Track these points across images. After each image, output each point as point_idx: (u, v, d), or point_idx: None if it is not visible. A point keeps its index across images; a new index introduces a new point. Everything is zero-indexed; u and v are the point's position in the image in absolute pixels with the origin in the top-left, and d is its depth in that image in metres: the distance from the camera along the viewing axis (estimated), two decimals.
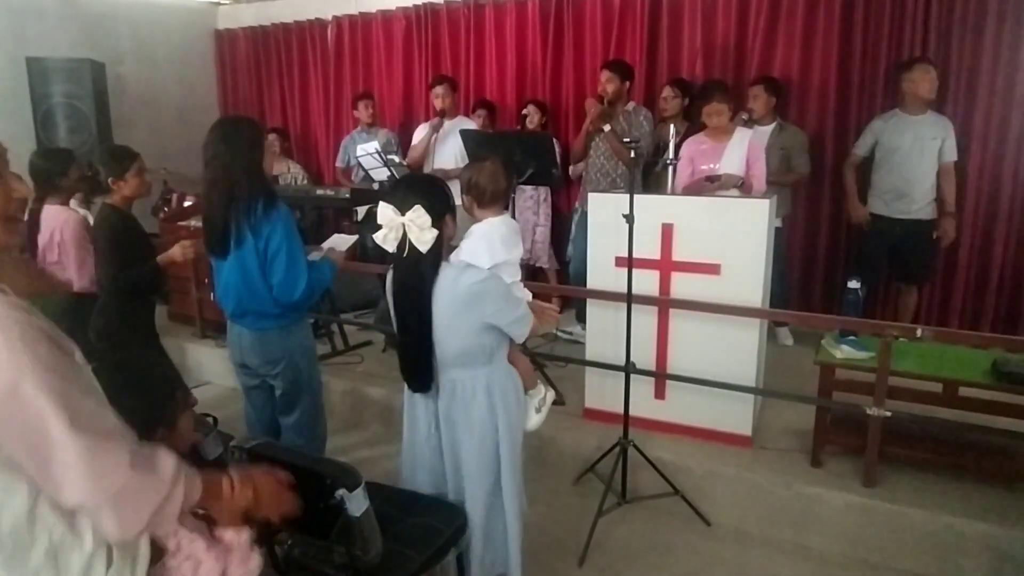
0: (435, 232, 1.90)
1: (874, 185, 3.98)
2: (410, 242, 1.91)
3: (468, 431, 2.04)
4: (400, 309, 2.03)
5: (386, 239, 1.94)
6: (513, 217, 4.09)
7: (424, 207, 1.88)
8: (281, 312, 2.44)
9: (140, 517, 1.09)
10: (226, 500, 1.31)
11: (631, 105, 4.13)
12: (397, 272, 2.01)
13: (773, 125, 4.12)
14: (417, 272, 1.94)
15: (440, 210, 1.93)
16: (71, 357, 1.10)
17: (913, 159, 3.79)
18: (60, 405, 1.01)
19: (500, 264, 2.11)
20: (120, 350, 2.82)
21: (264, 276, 2.37)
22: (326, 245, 2.77)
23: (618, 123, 4.03)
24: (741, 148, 3.47)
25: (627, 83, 4.07)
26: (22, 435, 1.01)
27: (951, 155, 3.80)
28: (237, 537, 1.37)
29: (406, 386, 2.12)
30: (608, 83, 4.02)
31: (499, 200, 2.19)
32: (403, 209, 1.90)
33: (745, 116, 3.86)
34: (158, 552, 1.28)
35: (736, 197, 3.28)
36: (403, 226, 1.90)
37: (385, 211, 1.93)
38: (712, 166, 3.48)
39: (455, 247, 2.14)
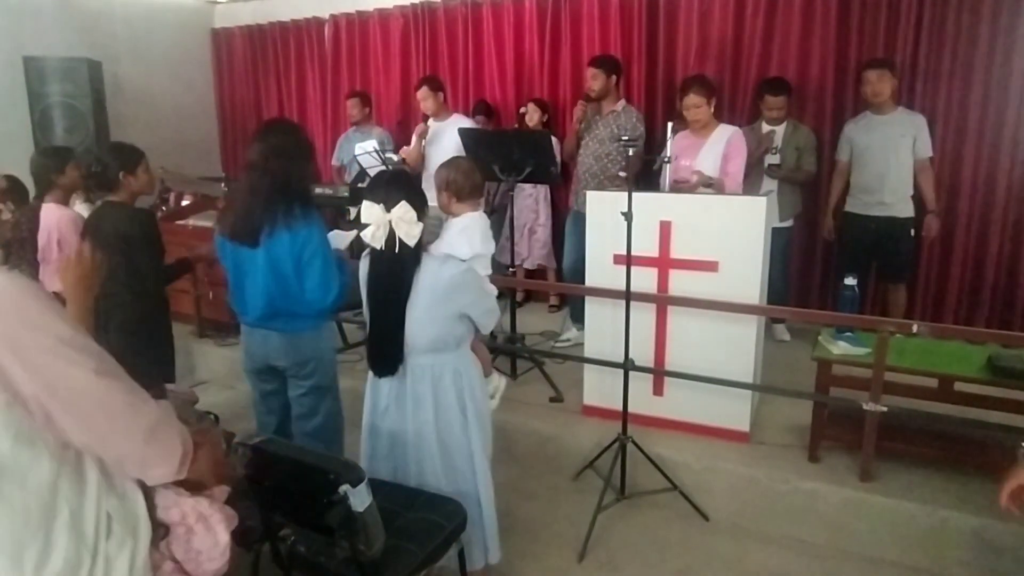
0: (421, 225, 1.98)
1: (851, 185, 4.03)
2: (392, 236, 1.97)
3: (435, 411, 2.10)
4: (376, 298, 2.09)
5: (375, 236, 1.99)
6: (512, 215, 4.15)
7: (408, 202, 1.96)
8: (315, 313, 2.43)
9: (175, 448, 1.19)
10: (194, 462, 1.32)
11: (621, 104, 4.08)
12: (376, 264, 2.06)
13: (785, 124, 4.12)
14: (400, 263, 2.00)
15: (421, 204, 2.01)
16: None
17: (883, 157, 3.81)
18: (88, 354, 1.11)
19: (477, 256, 2.20)
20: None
21: (298, 276, 2.34)
22: None
23: (607, 124, 4.03)
24: (719, 145, 3.46)
25: (613, 77, 4.03)
26: (61, 391, 1.08)
27: (925, 151, 3.81)
28: (220, 495, 1.39)
29: (370, 372, 2.19)
30: (593, 80, 4.00)
31: (476, 195, 2.29)
32: (389, 206, 1.96)
33: (774, 150, 4.02)
34: (160, 528, 1.30)
35: (733, 195, 3.29)
36: (390, 223, 1.96)
37: (371, 209, 1.98)
38: (689, 162, 3.48)
39: (429, 241, 2.20)
